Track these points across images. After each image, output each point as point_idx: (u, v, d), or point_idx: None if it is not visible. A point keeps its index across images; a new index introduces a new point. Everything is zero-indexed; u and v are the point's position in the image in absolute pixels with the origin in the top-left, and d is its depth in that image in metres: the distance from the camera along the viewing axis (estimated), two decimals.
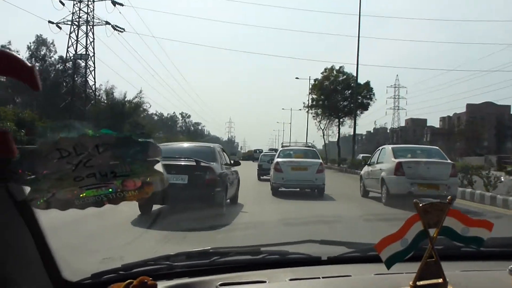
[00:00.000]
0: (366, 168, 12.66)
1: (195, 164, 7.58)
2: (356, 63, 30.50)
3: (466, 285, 1.26)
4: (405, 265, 1.23)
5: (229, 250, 1.74)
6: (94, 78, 45.67)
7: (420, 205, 1.12)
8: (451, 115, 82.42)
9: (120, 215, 6.75)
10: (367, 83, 38.62)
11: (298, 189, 12.70)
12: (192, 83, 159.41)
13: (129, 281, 1.18)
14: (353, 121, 34.92)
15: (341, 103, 39.98)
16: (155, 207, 7.79)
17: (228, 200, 8.81)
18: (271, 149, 41.81)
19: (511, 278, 1.21)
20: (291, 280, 1.43)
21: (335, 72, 40.19)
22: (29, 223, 1.03)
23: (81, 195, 0.95)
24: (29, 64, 0.76)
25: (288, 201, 11.14)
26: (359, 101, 36.64)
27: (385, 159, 11.35)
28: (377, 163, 11.82)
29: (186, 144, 10.05)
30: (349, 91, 38.54)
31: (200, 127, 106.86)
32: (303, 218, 7.37)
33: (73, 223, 6.16)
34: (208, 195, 7.47)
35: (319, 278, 1.43)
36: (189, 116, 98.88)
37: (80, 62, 45.84)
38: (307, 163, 12.62)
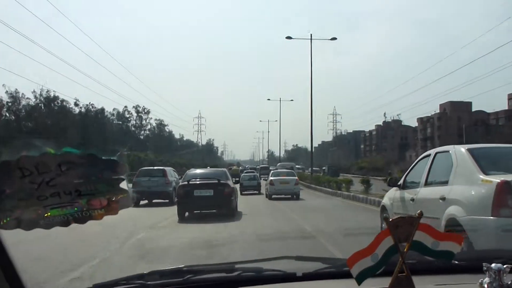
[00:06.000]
0: (397, 193, 6.42)
1: (217, 182, 11.78)
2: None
3: None
4: (379, 280, 1.23)
5: (203, 268, 1.72)
6: None
7: (390, 219, 1.13)
8: None
9: (93, 229, 6.59)
10: None
11: (283, 195, 19.89)
12: (151, 81, 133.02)
13: None
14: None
15: None
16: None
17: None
18: (251, 168, 43.73)
19: None
20: None
21: None
22: None
23: (45, 215, 0.92)
24: None
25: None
26: None
27: (455, 176, 5.11)
28: (428, 183, 5.63)
29: (207, 169, 16.07)
30: None
31: (167, 129, 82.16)
32: (279, 234, 7.34)
33: (44, 237, 5.98)
34: (227, 202, 11.53)
35: None
36: (148, 112, 71.72)
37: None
38: (289, 180, 20.73)
